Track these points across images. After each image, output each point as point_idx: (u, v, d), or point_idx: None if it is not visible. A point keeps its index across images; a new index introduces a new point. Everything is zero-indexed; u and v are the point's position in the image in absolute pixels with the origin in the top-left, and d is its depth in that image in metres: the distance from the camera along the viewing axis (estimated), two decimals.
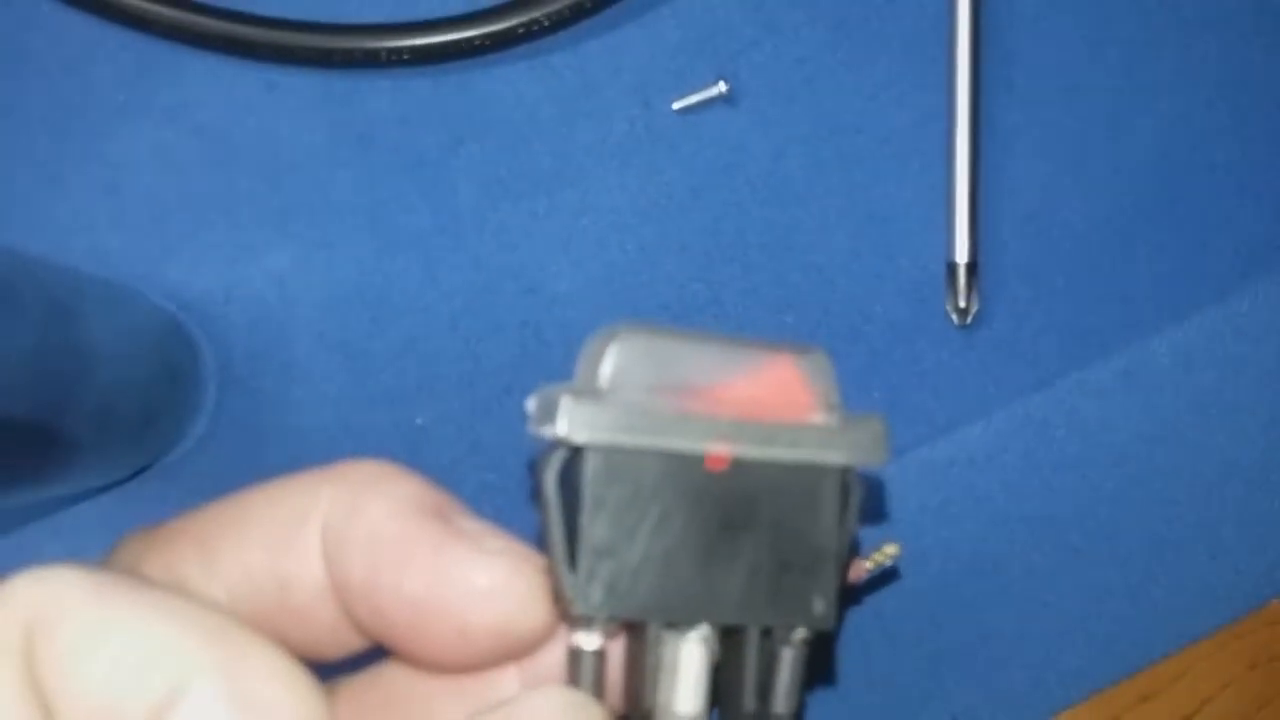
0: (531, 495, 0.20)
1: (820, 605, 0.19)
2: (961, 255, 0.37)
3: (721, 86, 0.37)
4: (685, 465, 0.19)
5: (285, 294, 0.36)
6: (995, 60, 0.37)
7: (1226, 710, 0.32)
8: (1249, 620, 0.33)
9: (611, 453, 0.19)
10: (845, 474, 0.20)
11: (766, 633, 0.19)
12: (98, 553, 0.21)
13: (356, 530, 0.19)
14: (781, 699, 0.19)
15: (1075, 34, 0.37)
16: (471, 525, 0.19)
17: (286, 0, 0.36)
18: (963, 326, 0.37)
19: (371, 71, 0.36)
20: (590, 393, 0.19)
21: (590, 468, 0.18)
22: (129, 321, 0.31)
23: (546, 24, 0.36)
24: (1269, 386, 0.33)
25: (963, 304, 0.37)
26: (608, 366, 0.19)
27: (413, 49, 0.35)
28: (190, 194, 0.36)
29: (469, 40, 0.36)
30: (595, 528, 0.18)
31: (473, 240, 0.37)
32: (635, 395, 0.19)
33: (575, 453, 0.19)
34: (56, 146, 0.36)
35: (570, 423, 0.18)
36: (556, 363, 0.37)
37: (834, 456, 0.20)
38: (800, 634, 0.20)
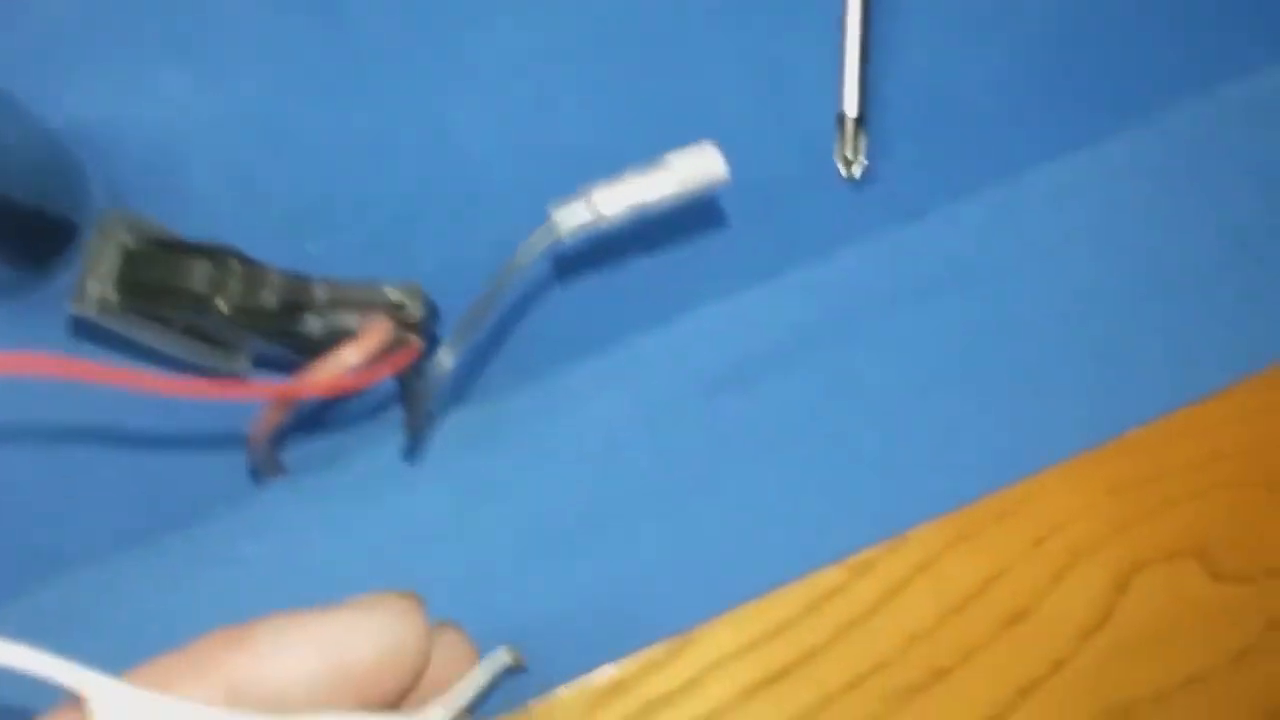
0: None
1: None
2: (851, 108, 0.38)
3: None
4: None
5: (181, 118, 0.36)
6: None
7: (1082, 532, 0.33)
8: (1108, 447, 0.34)
9: None
10: None
11: None
12: None
13: None
14: None
15: None
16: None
17: None
18: (850, 180, 0.38)
19: None
20: None
21: None
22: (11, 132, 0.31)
23: None
24: (1136, 224, 0.34)
25: (849, 155, 0.38)
26: None
27: None
28: (89, 13, 0.36)
29: None
30: None
31: (374, 72, 0.37)
32: None
33: None
34: None
35: None
36: (454, 198, 0.37)
37: None
38: None
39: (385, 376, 0.28)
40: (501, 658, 0.26)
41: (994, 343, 0.34)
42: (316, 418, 0.33)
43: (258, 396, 0.28)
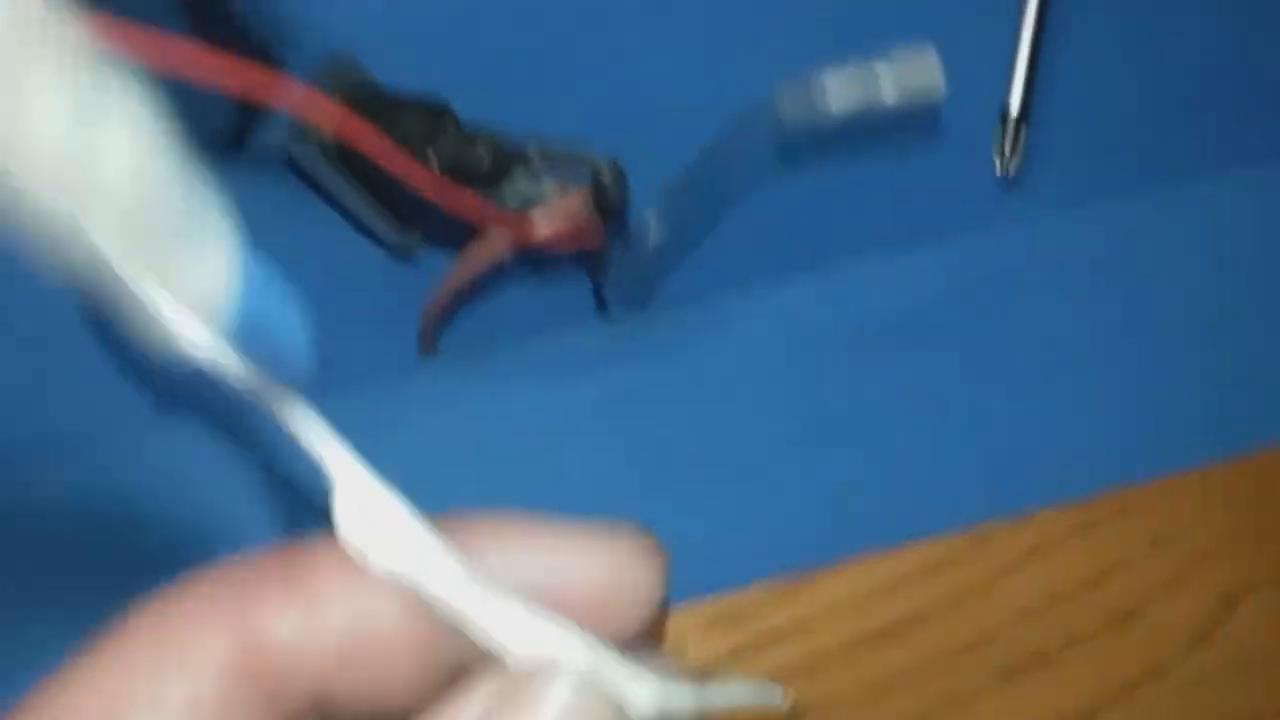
0: None
1: None
2: (1015, 106, 0.39)
3: None
4: None
5: None
6: None
7: (1199, 543, 0.33)
8: (1234, 464, 0.34)
9: None
10: None
11: None
12: None
13: None
14: None
15: None
16: None
17: None
18: (1005, 176, 0.39)
19: None
20: None
21: None
22: None
23: None
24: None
25: (1007, 151, 0.39)
26: None
27: None
28: None
29: None
30: None
31: None
32: None
33: None
34: None
35: None
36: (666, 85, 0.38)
37: None
38: None
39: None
40: (774, 694, 0.21)
41: (1134, 342, 0.34)
42: (470, 306, 0.33)
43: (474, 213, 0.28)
